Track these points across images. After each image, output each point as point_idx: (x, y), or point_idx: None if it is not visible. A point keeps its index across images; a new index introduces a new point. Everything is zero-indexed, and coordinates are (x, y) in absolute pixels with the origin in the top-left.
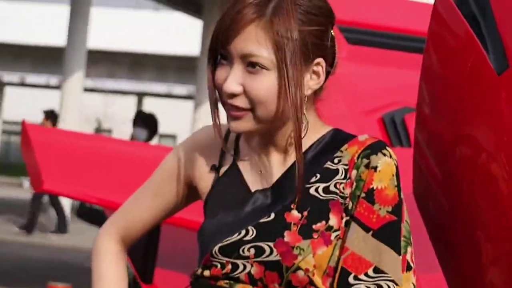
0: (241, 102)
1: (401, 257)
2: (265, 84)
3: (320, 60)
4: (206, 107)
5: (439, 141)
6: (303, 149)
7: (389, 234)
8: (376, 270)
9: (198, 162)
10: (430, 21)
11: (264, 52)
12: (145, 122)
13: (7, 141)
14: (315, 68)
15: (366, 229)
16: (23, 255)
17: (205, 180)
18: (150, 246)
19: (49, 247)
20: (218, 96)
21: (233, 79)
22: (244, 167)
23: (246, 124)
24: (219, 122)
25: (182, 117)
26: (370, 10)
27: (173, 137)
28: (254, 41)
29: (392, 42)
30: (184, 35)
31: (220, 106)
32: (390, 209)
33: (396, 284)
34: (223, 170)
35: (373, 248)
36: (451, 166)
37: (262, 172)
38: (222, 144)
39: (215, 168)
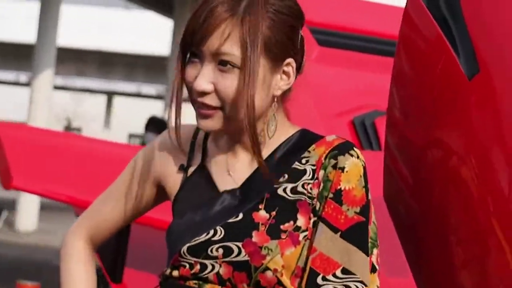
0: (211, 100)
1: (372, 257)
2: (236, 83)
3: (290, 60)
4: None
5: (409, 145)
6: (272, 149)
7: (357, 235)
8: (344, 271)
9: (166, 162)
10: (401, 24)
11: (235, 51)
12: (158, 127)
13: None
14: (285, 68)
15: (334, 229)
16: None
17: (173, 180)
18: (120, 245)
19: (17, 245)
20: (188, 94)
21: (204, 77)
22: (212, 167)
23: (215, 123)
24: (179, 121)
25: None
26: (341, 12)
27: (142, 137)
28: (226, 40)
29: (363, 45)
30: (154, 34)
31: (185, 105)
32: (358, 210)
33: (365, 285)
34: (191, 170)
35: (341, 248)
36: (422, 170)
37: (230, 172)
38: (178, 144)
39: (183, 168)
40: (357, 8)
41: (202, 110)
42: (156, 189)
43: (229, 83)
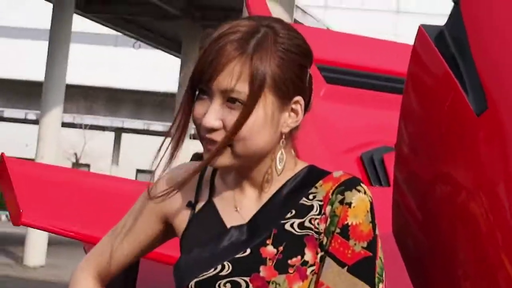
0: (219, 137)
1: None
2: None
3: (298, 98)
4: (184, 144)
5: (418, 180)
6: (279, 185)
7: (364, 270)
8: None
9: (173, 199)
10: (409, 62)
11: (244, 88)
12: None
13: None
14: (293, 106)
15: (341, 264)
16: None
17: (180, 216)
18: (128, 281)
19: (25, 280)
20: (196, 130)
21: (213, 114)
22: (219, 203)
23: (224, 159)
24: (176, 154)
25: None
26: (348, 50)
27: (150, 172)
28: (235, 77)
29: (370, 82)
30: (162, 72)
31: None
32: (365, 244)
33: None
34: (198, 206)
35: (348, 283)
36: (430, 205)
37: (237, 208)
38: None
39: (190, 205)
40: (364, 45)
41: (210, 146)
42: (164, 226)
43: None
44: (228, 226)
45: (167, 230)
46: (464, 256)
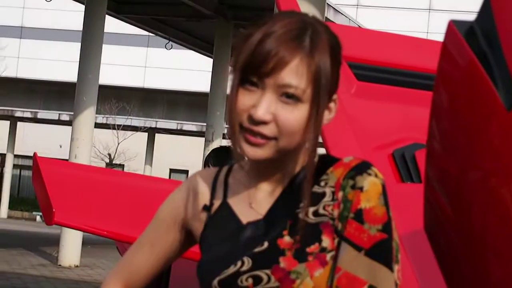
0: (268, 130)
1: (394, 273)
2: (298, 116)
3: (335, 96)
4: (216, 144)
5: (449, 177)
6: (291, 177)
7: (381, 252)
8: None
9: (190, 205)
10: (439, 58)
11: (302, 84)
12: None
13: (19, 176)
14: (331, 103)
15: (358, 248)
16: None
17: (198, 220)
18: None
19: (60, 280)
20: (233, 120)
21: (266, 107)
22: (234, 201)
23: (265, 152)
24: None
25: (194, 152)
26: (379, 47)
27: (185, 171)
28: (295, 73)
29: (401, 79)
30: (195, 72)
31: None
32: (380, 227)
33: None
34: (214, 208)
35: (366, 266)
36: (462, 202)
37: (252, 204)
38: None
39: (206, 208)
40: (394, 42)
41: (253, 138)
42: (184, 234)
43: (293, 115)
44: (244, 222)
45: (187, 238)
46: (499, 252)
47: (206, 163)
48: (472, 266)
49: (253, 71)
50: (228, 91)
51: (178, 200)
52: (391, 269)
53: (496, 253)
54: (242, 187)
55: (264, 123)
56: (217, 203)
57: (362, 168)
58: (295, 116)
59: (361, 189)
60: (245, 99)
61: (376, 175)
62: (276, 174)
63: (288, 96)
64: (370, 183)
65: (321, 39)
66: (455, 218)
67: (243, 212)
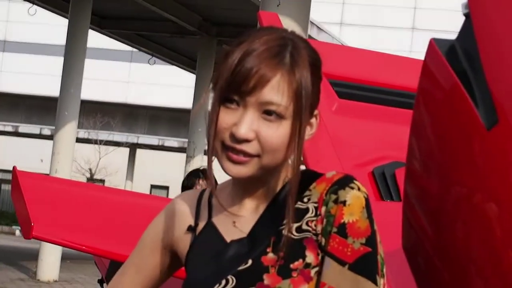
0: (251, 148)
1: (379, 287)
2: (281, 133)
3: (317, 112)
4: (197, 160)
5: (429, 196)
6: (274, 193)
7: (365, 266)
8: None
9: (175, 227)
10: (420, 76)
11: (284, 101)
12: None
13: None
14: (312, 119)
15: (342, 263)
16: None
17: (183, 242)
18: None
19: None
20: (214, 138)
21: (248, 125)
22: (218, 221)
23: (249, 170)
24: (211, 169)
25: (175, 169)
26: (360, 65)
27: (166, 187)
28: (276, 90)
29: (382, 97)
30: (177, 88)
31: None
32: (364, 241)
33: None
34: (199, 229)
35: (350, 281)
36: (441, 221)
37: (236, 223)
38: (211, 187)
39: (191, 229)
40: (376, 60)
41: (236, 156)
42: (170, 256)
43: (275, 133)
44: (228, 241)
45: (174, 260)
46: (477, 272)
47: (182, 185)
48: (451, 285)
49: (234, 90)
50: (208, 108)
51: (162, 224)
52: (375, 283)
53: (476, 273)
54: (225, 205)
55: (246, 141)
56: (202, 223)
57: (345, 182)
58: (277, 133)
59: (343, 203)
60: (227, 117)
61: (359, 189)
62: (259, 191)
63: (270, 113)
64: (353, 196)
65: (301, 55)
66: (434, 237)
67: (227, 231)
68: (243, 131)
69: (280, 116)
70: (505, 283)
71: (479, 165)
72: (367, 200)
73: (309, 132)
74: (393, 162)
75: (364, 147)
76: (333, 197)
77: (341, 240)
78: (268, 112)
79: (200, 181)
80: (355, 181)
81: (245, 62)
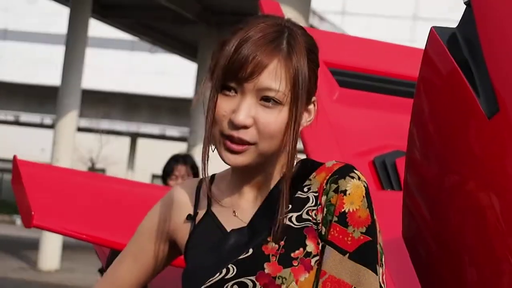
0: (249, 136)
1: (379, 276)
2: (279, 119)
3: (314, 98)
4: (199, 149)
5: (429, 185)
6: (275, 183)
7: (365, 255)
8: None
9: (174, 216)
10: (421, 65)
11: (281, 87)
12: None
13: (0, 179)
14: (310, 106)
15: (342, 251)
16: None
17: (182, 231)
18: None
19: (40, 284)
20: (213, 127)
21: (246, 111)
22: (218, 210)
23: (246, 158)
24: (208, 158)
25: None
26: (362, 54)
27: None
28: (274, 76)
29: (383, 86)
30: (178, 77)
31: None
32: (364, 230)
33: None
34: (198, 218)
35: (351, 269)
36: (440, 210)
37: (236, 213)
38: (205, 183)
39: (190, 218)
40: (377, 49)
41: (233, 145)
42: (168, 246)
43: (273, 119)
44: (228, 230)
45: (172, 250)
46: (475, 261)
47: (163, 171)
48: (451, 274)
49: (232, 77)
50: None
51: (160, 212)
52: (375, 271)
53: (473, 262)
54: (225, 195)
55: (245, 127)
56: (201, 212)
57: (345, 171)
58: (275, 119)
59: (344, 192)
60: (225, 105)
61: (359, 178)
62: (259, 181)
63: (268, 100)
64: (353, 186)
65: (298, 41)
66: (434, 225)
67: (227, 220)
68: (242, 117)
69: (278, 103)
70: (503, 270)
71: (480, 154)
72: (367, 189)
73: (307, 119)
74: (394, 151)
75: (365, 136)
76: (334, 186)
77: (342, 229)
78: (266, 99)
79: (179, 166)
80: (355, 171)
81: (241, 49)
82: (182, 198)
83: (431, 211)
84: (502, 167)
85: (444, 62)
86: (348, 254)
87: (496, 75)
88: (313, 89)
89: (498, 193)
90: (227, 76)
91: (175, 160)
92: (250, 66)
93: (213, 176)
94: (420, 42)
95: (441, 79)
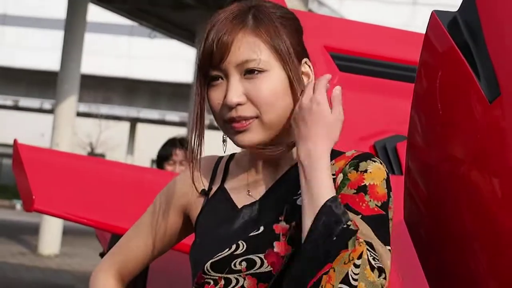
0: (247, 110)
1: (387, 247)
2: (269, 85)
3: (305, 59)
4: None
5: (430, 169)
6: (292, 163)
7: (377, 224)
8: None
9: (190, 190)
10: (422, 49)
11: (259, 55)
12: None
13: (0, 163)
14: (303, 69)
15: (356, 212)
16: (15, 277)
17: (196, 205)
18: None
19: (40, 269)
20: (215, 119)
21: (235, 91)
22: (231, 187)
23: (254, 134)
24: (201, 148)
25: None
26: (362, 38)
27: None
28: (246, 48)
29: (383, 71)
30: (178, 62)
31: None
32: (379, 204)
33: (387, 248)
34: (211, 193)
35: (363, 227)
36: (441, 194)
37: (249, 191)
38: (191, 174)
39: (204, 193)
40: (377, 34)
41: (237, 125)
42: (182, 221)
43: (262, 87)
44: (240, 207)
45: (185, 225)
46: (476, 244)
47: (158, 155)
48: (452, 256)
49: (209, 65)
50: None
51: (178, 186)
52: (385, 244)
53: (474, 245)
54: (241, 174)
55: (240, 105)
56: (215, 188)
57: (366, 156)
58: (265, 86)
59: (365, 171)
60: (215, 94)
61: (380, 163)
62: (274, 161)
63: (252, 72)
64: (375, 167)
65: (265, 12)
66: (435, 210)
67: (239, 197)
68: (232, 97)
69: (261, 70)
70: (504, 254)
71: (481, 138)
72: (388, 175)
73: (306, 81)
74: (394, 135)
75: (365, 120)
76: (353, 166)
77: (360, 195)
78: (249, 71)
79: (177, 151)
80: (376, 158)
81: (209, 35)
82: (199, 173)
83: (433, 195)
84: (504, 151)
85: (445, 46)
86: (361, 216)
87: (497, 59)
88: (300, 51)
89: (498, 177)
90: (205, 66)
91: (171, 144)
92: (218, 47)
93: (232, 154)
94: (420, 27)
95: (442, 63)
